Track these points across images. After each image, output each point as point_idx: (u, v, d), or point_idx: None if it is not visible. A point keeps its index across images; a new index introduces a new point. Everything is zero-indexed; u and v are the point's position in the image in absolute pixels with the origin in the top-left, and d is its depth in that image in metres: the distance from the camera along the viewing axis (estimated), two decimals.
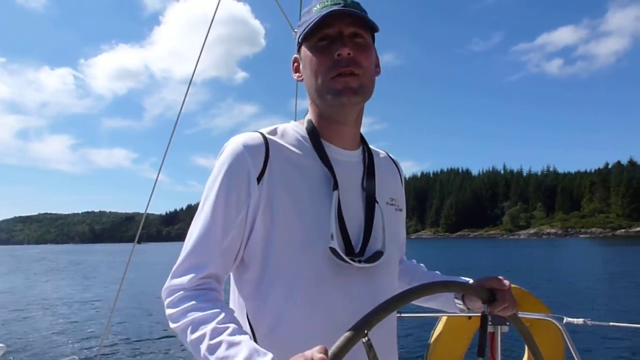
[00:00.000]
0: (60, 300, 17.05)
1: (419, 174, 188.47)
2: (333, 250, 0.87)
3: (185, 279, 0.85)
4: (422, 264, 1.21)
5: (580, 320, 2.21)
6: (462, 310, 1.10)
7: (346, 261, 0.88)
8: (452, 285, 0.95)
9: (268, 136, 0.92)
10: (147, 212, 2.47)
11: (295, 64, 1.01)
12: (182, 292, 0.85)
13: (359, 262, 0.90)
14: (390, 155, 1.14)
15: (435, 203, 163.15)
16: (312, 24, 0.89)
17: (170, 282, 0.87)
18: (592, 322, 2.26)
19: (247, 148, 0.88)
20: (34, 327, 11.50)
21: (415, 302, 1.08)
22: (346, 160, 0.97)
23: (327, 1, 0.91)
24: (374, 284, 0.93)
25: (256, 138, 0.91)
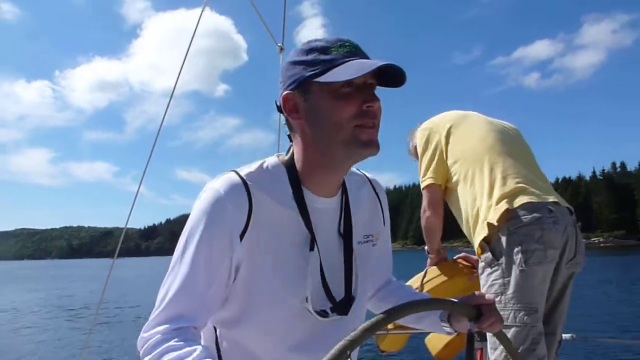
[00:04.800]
0: (36, 317, 16.28)
1: (392, 188, 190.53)
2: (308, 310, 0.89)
3: (160, 328, 0.80)
4: (411, 285, 1.19)
5: (567, 335, 2.14)
6: (448, 333, 1.05)
7: (321, 316, 0.90)
8: (436, 304, 0.90)
9: (252, 189, 0.86)
10: (128, 226, 2.35)
11: (292, 102, 0.88)
12: (158, 336, 0.79)
13: (332, 313, 0.92)
14: (373, 181, 1.07)
15: (406, 216, 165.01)
16: (350, 76, 0.81)
17: (144, 334, 0.81)
18: (580, 337, 2.20)
19: (231, 204, 0.84)
20: (10, 348, 10.87)
21: (402, 323, 1.12)
22: (325, 207, 0.93)
23: (347, 44, 0.86)
24: (346, 328, 0.93)
25: (240, 192, 0.85)
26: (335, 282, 0.93)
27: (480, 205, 1.78)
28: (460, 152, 1.91)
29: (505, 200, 1.71)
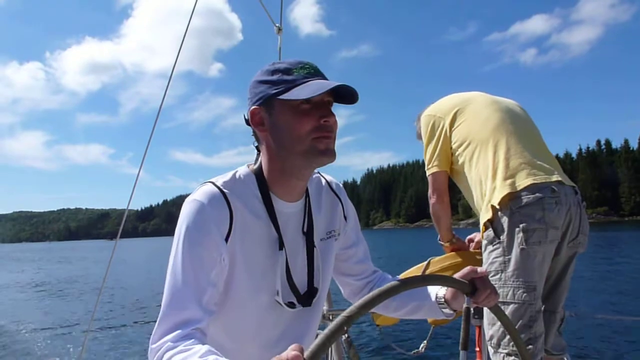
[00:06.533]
0: (40, 297, 16.33)
1: (386, 166, 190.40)
2: (278, 302, 1.00)
3: (167, 337, 0.83)
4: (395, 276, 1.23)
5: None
6: (448, 315, 1.06)
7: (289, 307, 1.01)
8: (432, 279, 0.91)
9: (229, 197, 0.95)
10: (123, 208, 2.34)
11: (259, 116, 0.98)
12: (168, 344, 0.82)
13: (299, 304, 1.02)
14: (331, 183, 1.17)
15: (399, 195, 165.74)
16: (308, 94, 0.90)
17: (152, 345, 0.84)
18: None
19: (215, 213, 0.92)
20: (11, 328, 10.93)
21: (402, 316, 1.17)
22: (290, 211, 1.04)
23: (307, 65, 0.96)
24: (310, 317, 1.07)
25: (220, 201, 0.94)
26: (301, 277, 1.04)
27: (486, 187, 1.79)
28: (465, 134, 1.91)
29: (508, 182, 1.72)
